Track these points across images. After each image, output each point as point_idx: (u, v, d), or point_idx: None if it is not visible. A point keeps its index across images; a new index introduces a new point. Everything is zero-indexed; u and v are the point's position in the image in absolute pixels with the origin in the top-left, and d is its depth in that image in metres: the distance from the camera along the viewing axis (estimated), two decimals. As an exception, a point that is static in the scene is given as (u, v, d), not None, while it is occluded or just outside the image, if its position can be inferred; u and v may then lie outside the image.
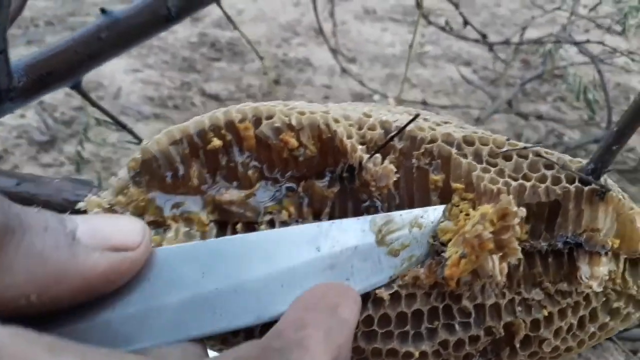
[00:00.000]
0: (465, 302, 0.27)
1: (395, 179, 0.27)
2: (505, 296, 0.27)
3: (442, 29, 1.56)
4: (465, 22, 1.01)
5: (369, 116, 0.29)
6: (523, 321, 0.27)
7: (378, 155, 0.27)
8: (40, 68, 0.40)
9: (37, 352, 0.14)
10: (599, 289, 0.27)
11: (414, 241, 0.26)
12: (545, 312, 0.27)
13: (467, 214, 0.26)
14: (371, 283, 0.25)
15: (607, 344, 1.16)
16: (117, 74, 1.37)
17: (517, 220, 0.24)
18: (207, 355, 0.22)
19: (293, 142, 0.28)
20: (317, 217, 0.28)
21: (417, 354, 0.26)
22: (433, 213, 0.26)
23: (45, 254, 0.18)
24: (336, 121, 0.28)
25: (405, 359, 0.27)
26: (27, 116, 1.23)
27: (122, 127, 0.47)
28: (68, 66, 0.41)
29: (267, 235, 0.24)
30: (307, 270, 0.23)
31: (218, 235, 0.27)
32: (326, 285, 0.22)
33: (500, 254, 0.24)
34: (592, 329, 0.28)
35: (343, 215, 0.28)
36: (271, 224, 0.27)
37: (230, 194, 0.27)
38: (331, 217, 0.28)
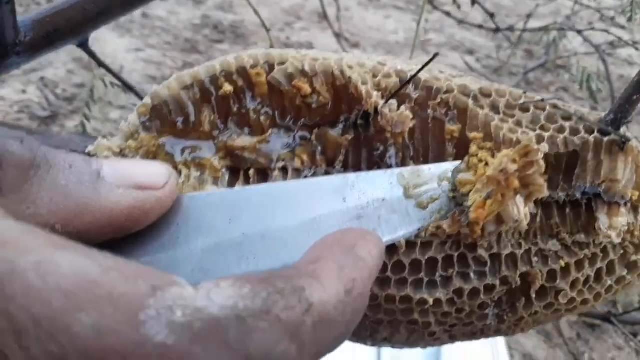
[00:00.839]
0: (481, 252, 0.26)
1: (411, 125, 0.27)
2: (521, 246, 0.27)
3: (447, 13, 1.55)
4: (473, 1, 1.00)
5: (383, 65, 0.28)
6: (540, 271, 0.27)
7: (394, 101, 0.27)
8: (47, 24, 0.39)
9: (43, 245, 0.14)
10: (618, 240, 0.26)
11: (443, 195, 0.25)
12: (562, 263, 0.27)
13: (487, 163, 0.26)
14: (399, 235, 0.24)
15: (607, 327, 1.16)
16: (119, 53, 1.36)
17: (540, 155, 0.23)
18: None
19: (306, 88, 0.27)
20: (330, 165, 0.27)
21: (431, 301, 0.26)
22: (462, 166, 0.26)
23: (68, 188, 0.19)
24: (350, 68, 0.27)
25: (419, 306, 0.26)
26: (28, 92, 1.23)
27: (129, 88, 0.46)
28: (76, 23, 0.40)
29: (293, 185, 0.24)
30: (333, 220, 0.23)
31: (230, 180, 0.27)
32: (348, 229, 0.21)
33: (526, 192, 0.24)
34: (609, 282, 0.27)
35: (356, 164, 0.27)
36: (284, 171, 0.27)
37: (243, 140, 0.27)
38: (345, 165, 0.27)
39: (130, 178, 0.20)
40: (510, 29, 1.60)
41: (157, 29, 1.59)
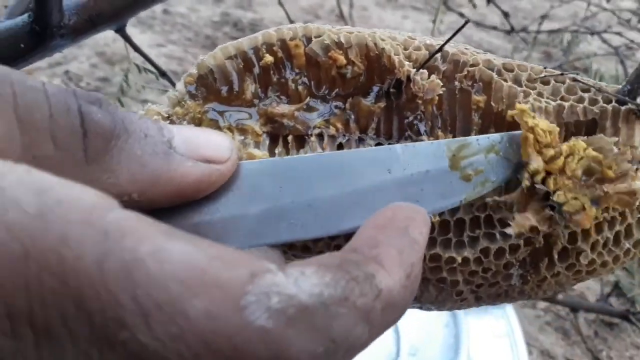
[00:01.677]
0: (506, 213, 0.28)
1: (441, 92, 0.28)
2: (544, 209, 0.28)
3: (461, 15, 1.56)
4: (489, 0, 1.01)
5: (413, 39, 0.30)
6: (561, 233, 0.28)
7: (424, 70, 0.28)
8: (90, 8, 0.41)
9: (155, 234, 0.15)
10: (636, 204, 0.28)
11: (489, 166, 0.26)
12: (583, 226, 0.28)
13: (554, 151, 0.27)
14: (441, 206, 0.25)
15: (625, 325, 1.16)
16: (141, 47, 1.39)
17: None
18: (283, 259, 0.25)
19: (341, 59, 0.29)
20: (363, 132, 0.29)
21: (459, 259, 0.28)
22: (509, 139, 0.27)
23: (144, 159, 0.20)
24: (383, 40, 0.29)
25: (447, 264, 0.28)
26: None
27: (162, 74, 0.49)
28: (116, 8, 0.42)
29: (341, 155, 0.25)
30: (377, 190, 0.24)
31: (270, 145, 0.28)
32: (396, 206, 0.22)
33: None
34: (627, 245, 0.29)
35: (388, 131, 0.29)
36: (320, 137, 0.29)
37: (282, 108, 0.29)
38: (377, 132, 0.29)
39: (199, 151, 0.21)
40: (525, 30, 1.61)
41: (178, 25, 1.63)
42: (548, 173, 0.27)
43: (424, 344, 0.78)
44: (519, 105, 0.28)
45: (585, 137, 0.27)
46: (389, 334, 0.80)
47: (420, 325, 0.79)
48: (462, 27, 0.28)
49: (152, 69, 0.49)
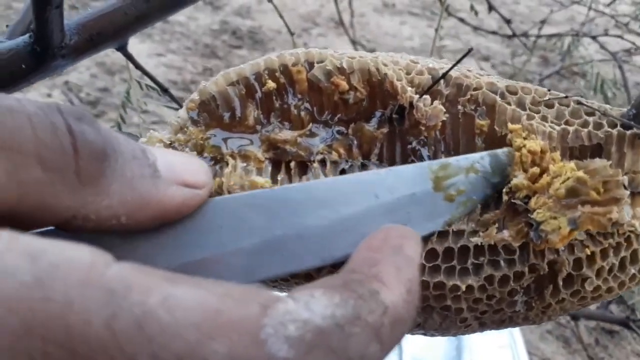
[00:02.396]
0: (511, 240, 0.28)
1: (444, 118, 0.28)
2: (548, 236, 0.28)
3: (462, 20, 1.57)
4: (490, 7, 1.02)
5: (416, 63, 0.30)
6: (566, 259, 0.28)
7: (427, 96, 0.28)
8: (90, 28, 0.41)
9: (159, 282, 0.14)
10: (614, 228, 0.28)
11: (470, 186, 0.26)
12: (588, 252, 0.28)
13: (540, 169, 0.27)
14: (428, 227, 0.26)
15: (625, 333, 1.16)
16: (140, 58, 1.39)
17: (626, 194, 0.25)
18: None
19: (344, 85, 0.29)
20: (366, 157, 0.29)
21: (463, 287, 0.27)
22: (489, 158, 0.27)
23: (134, 181, 0.19)
24: (385, 65, 0.29)
25: (451, 292, 0.28)
26: (53, 95, 1.26)
27: (164, 90, 0.49)
28: (117, 27, 0.42)
29: (327, 183, 0.25)
30: (367, 216, 0.24)
31: (273, 171, 0.28)
32: (388, 228, 0.22)
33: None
34: (633, 271, 0.29)
35: (391, 156, 0.29)
36: (323, 163, 0.28)
37: (284, 134, 0.29)
38: (380, 158, 0.29)
39: (181, 175, 0.21)
40: (525, 35, 1.62)
41: (177, 34, 1.63)
42: (534, 192, 0.27)
43: (426, 355, 0.78)
44: (511, 125, 0.28)
45: (580, 161, 0.27)
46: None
47: (422, 337, 0.79)
48: (466, 54, 0.27)
49: (154, 84, 0.49)
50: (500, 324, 0.30)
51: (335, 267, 0.26)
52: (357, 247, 0.21)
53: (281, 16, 0.70)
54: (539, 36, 1.65)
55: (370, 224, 0.24)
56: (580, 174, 0.26)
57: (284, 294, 0.16)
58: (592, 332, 1.16)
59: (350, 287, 0.17)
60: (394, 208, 0.25)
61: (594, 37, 1.51)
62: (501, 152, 0.27)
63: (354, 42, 1.57)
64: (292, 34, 0.72)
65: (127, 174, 0.19)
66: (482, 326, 0.30)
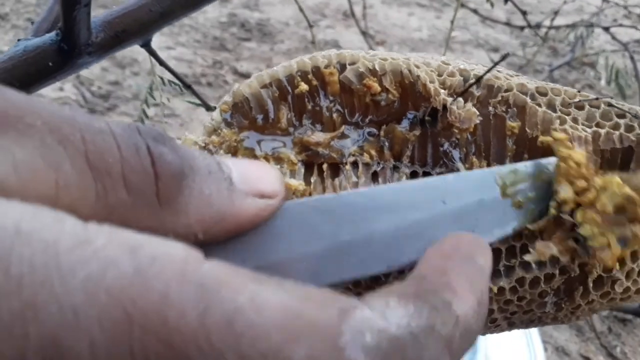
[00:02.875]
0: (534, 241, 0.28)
1: (477, 121, 0.28)
2: (579, 238, 0.28)
3: (474, 11, 1.56)
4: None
5: (447, 64, 0.30)
6: (597, 261, 0.28)
7: (460, 99, 0.28)
8: (116, 25, 0.42)
9: (246, 281, 0.15)
10: None
11: (536, 193, 0.26)
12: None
13: (588, 183, 0.26)
14: (496, 234, 0.25)
15: (638, 321, 1.16)
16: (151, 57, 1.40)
17: None
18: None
19: (376, 87, 0.29)
20: (397, 159, 0.29)
21: (495, 289, 0.28)
22: (552, 165, 0.27)
23: (212, 198, 0.19)
24: (417, 67, 0.29)
25: (483, 293, 0.28)
26: (65, 89, 1.27)
27: (187, 86, 0.49)
28: (141, 24, 0.42)
29: (394, 188, 0.25)
30: (434, 222, 0.24)
31: (305, 174, 0.28)
32: (458, 235, 0.22)
33: None
34: (663, 273, 0.29)
35: (422, 158, 0.29)
36: (355, 165, 0.29)
37: (317, 136, 0.29)
38: (411, 160, 0.29)
39: (256, 186, 0.20)
40: (538, 26, 1.61)
41: (185, 27, 1.63)
42: (578, 205, 0.27)
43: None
44: (556, 134, 0.27)
45: (623, 173, 0.27)
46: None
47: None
48: (503, 59, 0.27)
49: (176, 80, 0.49)
50: (529, 324, 0.31)
51: (401, 272, 0.26)
52: (424, 252, 0.20)
53: (301, 9, 0.70)
54: (550, 27, 1.64)
55: (438, 230, 0.23)
56: (629, 192, 0.25)
57: (357, 299, 0.16)
58: (605, 320, 1.16)
59: (423, 296, 0.17)
60: (461, 214, 0.24)
61: (606, 28, 1.50)
62: (546, 162, 0.27)
63: (364, 34, 1.56)
64: (310, 25, 0.72)
65: (205, 192, 0.18)
66: (511, 326, 0.31)
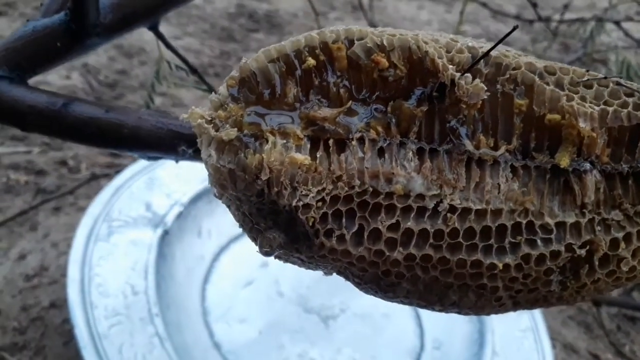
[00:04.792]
0: (548, 219, 0.28)
1: (485, 97, 0.28)
2: (585, 215, 0.28)
3: (484, 5, 1.55)
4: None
5: (456, 41, 0.30)
6: (603, 239, 0.28)
7: (468, 74, 0.28)
8: (124, 7, 0.42)
9: None
10: None
11: None
12: (624, 232, 0.28)
13: None
14: None
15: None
16: (158, 41, 1.40)
17: None
18: None
19: (384, 62, 0.29)
20: (404, 136, 0.29)
21: (500, 266, 0.28)
22: None
23: None
24: (426, 43, 0.29)
25: (488, 270, 0.28)
26: (72, 77, 1.27)
27: (194, 71, 0.49)
28: (150, 6, 0.43)
29: None
30: None
31: (311, 150, 0.28)
32: None
33: None
34: (670, 252, 0.29)
35: (429, 135, 0.29)
36: (361, 141, 0.29)
37: (323, 111, 0.29)
38: (418, 137, 0.29)
39: None
40: (548, 19, 1.59)
41: (193, 18, 1.63)
42: None
43: (448, 337, 0.78)
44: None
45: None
46: (412, 327, 0.81)
47: (443, 319, 0.80)
48: (512, 31, 0.27)
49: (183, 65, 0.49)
50: (534, 303, 0.30)
51: None
52: None
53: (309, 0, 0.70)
54: (561, 21, 1.62)
55: None
56: None
57: None
58: (614, 318, 1.16)
59: None
60: None
61: (617, 23, 1.49)
62: None
63: (373, 26, 1.56)
64: (316, 14, 0.72)
65: None
66: (516, 305, 0.31)
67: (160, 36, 0.45)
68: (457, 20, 2.13)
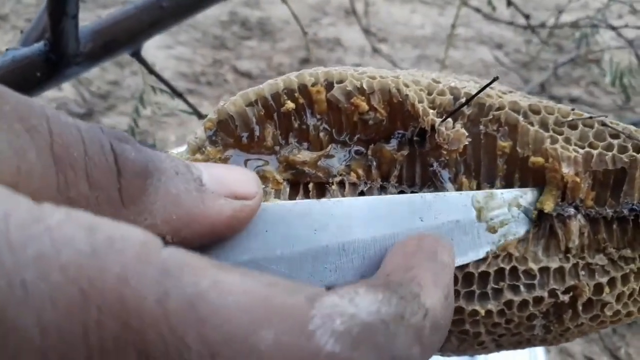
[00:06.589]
0: (531, 265, 0.27)
1: (466, 142, 0.28)
2: (569, 260, 0.28)
3: (477, 10, 1.55)
4: (509, 3, 1.00)
5: (437, 82, 0.29)
6: (587, 284, 0.28)
7: (449, 119, 0.28)
8: (105, 35, 0.41)
9: (209, 266, 0.14)
10: None
11: (513, 219, 0.27)
12: (608, 277, 0.28)
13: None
14: (469, 257, 0.26)
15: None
16: (150, 50, 1.39)
17: None
18: None
19: (364, 105, 0.28)
20: (385, 179, 0.29)
21: (482, 312, 0.27)
22: (531, 194, 0.28)
23: (179, 197, 0.18)
24: (406, 86, 0.28)
25: (470, 317, 0.27)
26: (64, 89, 1.26)
27: (178, 95, 0.48)
28: (131, 33, 0.42)
29: (374, 201, 0.25)
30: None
31: (291, 193, 0.28)
32: (421, 235, 0.22)
33: None
34: (654, 295, 0.28)
35: (410, 178, 0.29)
36: (341, 185, 0.28)
37: (303, 155, 0.28)
38: (399, 179, 0.29)
39: (229, 187, 0.20)
40: (542, 25, 1.59)
41: (184, 26, 1.62)
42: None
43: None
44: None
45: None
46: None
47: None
48: (492, 82, 0.27)
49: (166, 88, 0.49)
50: (517, 345, 0.30)
51: None
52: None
53: (287, 4, 0.69)
54: (554, 27, 1.62)
55: None
56: None
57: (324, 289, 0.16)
58: (601, 330, 1.16)
59: (391, 287, 0.17)
60: (437, 232, 0.25)
61: (613, 28, 1.48)
62: (523, 191, 0.28)
63: (366, 32, 1.55)
64: (305, 33, 0.72)
65: (172, 191, 0.18)
66: (499, 347, 0.30)
67: (142, 62, 0.45)
68: (449, 23, 2.13)
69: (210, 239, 0.20)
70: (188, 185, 0.18)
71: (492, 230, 0.26)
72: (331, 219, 0.23)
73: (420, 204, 0.25)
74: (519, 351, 0.84)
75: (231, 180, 0.20)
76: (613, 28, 1.58)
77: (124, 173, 0.17)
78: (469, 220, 0.26)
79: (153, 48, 1.45)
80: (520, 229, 0.27)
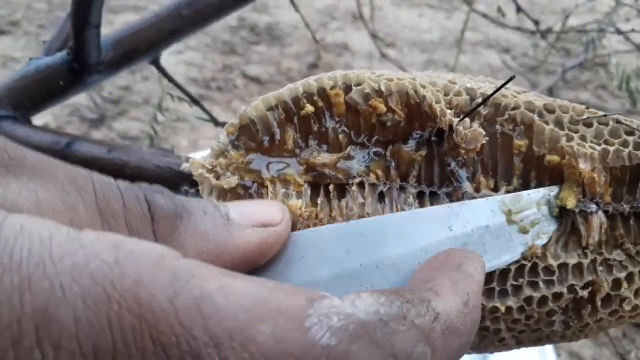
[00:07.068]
0: (551, 261, 0.28)
1: (484, 141, 0.28)
2: (587, 256, 0.28)
3: (484, 15, 1.55)
4: (518, 9, 1.00)
5: (454, 83, 0.30)
6: (605, 280, 0.28)
7: (467, 119, 0.28)
8: (125, 44, 0.42)
9: (218, 274, 0.17)
10: None
11: (543, 218, 0.27)
12: (626, 272, 0.28)
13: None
14: (505, 260, 0.26)
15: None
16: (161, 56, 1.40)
17: None
18: None
19: (381, 107, 0.29)
20: (404, 179, 0.29)
21: (503, 309, 0.28)
22: (556, 192, 0.28)
23: (207, 232, 0.21)
24: (423, 87, 0.29)
25: (491, 313, 0.28)
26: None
27: (195, 102, 0.49)
28: (151, 42, 0.43)
29: (402, 217, 0.26)
30: (441, 248, 0.25)
31: (312, 195, 0.29)
32: (450, 249, 0.24)
33: None
34: (672, 291, 0.29)
35: (429, 178, 0.29)
36: (361, 186, 0.29)
37: (323, 157, 0.29)
38: (418, 180, 0.29)
39: (254, 217, 0.23)
40: (549, 30, 1.59)
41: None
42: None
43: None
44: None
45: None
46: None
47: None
48: (509, 80, 0.27)
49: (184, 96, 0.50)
50: (537, 342, 0.30)
51: None
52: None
53: (297, 9, 0.70)
54: (561, 32, 1.62)
55: None
56: None
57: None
58: (620, 325, 1.16)
59: (399, 292, 0.18)
60: (468, 240, 0.26)
61: (620, 32, 1.48)
62: (549, 190, 0.28)
63: (374, 36, 1.56)
64: (316, 41, 0.72)
65: (200, 228, 0.21)
66: (519, 344, 0.31)
67: (162, 70, 0.46)
68: (457, 27, 2.13)
69: (247, 266, 0.23)
70: (216, 221, 0.22)
71: (524, 230, 0.27)
72: (362, 238, 0.24)
73: (447, 214, 0.25)
74: (529, 353, 0.84)
75: (256, 212, 0.23)
76: (620, 32, 1.57)
77: (156, 217, 0.20)
78: (498, 225, 0.26)
79: (164, 53, 1.47)
80: (550, 227, 0.28)
